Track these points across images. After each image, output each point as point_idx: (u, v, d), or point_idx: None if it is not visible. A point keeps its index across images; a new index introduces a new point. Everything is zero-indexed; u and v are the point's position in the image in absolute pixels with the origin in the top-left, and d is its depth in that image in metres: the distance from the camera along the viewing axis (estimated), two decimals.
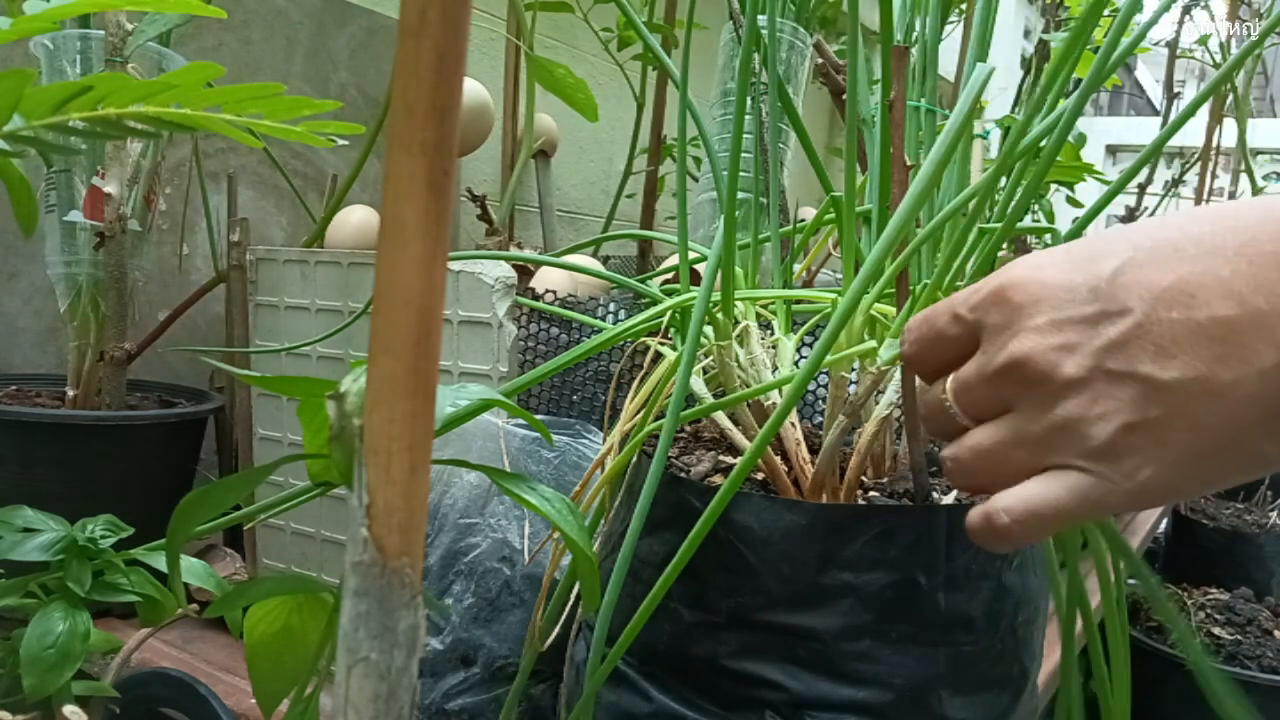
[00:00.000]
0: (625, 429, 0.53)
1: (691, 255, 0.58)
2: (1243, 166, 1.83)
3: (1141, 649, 1.62)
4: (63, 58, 0.81)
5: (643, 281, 0.70)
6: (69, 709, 0.51)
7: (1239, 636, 1.59)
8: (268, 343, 0.81)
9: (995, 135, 1.22)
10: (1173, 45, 1.74)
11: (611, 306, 0.71)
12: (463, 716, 0.60)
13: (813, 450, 0.50)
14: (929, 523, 0.42)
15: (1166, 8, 0.56)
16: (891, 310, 0.48)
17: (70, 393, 0.87)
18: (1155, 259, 0.30)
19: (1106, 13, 0.51)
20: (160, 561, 0.60)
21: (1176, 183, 1.92)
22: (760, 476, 0.50)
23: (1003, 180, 0.45)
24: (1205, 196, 1.85)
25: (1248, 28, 1.73)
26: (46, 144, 0.37)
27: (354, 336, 0.75)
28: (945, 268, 0.45)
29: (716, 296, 0.49)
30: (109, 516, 0.62)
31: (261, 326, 0.82)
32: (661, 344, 0.56)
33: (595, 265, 0.82)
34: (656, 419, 0.49)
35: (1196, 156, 1.85)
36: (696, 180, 1.20)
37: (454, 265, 0.67)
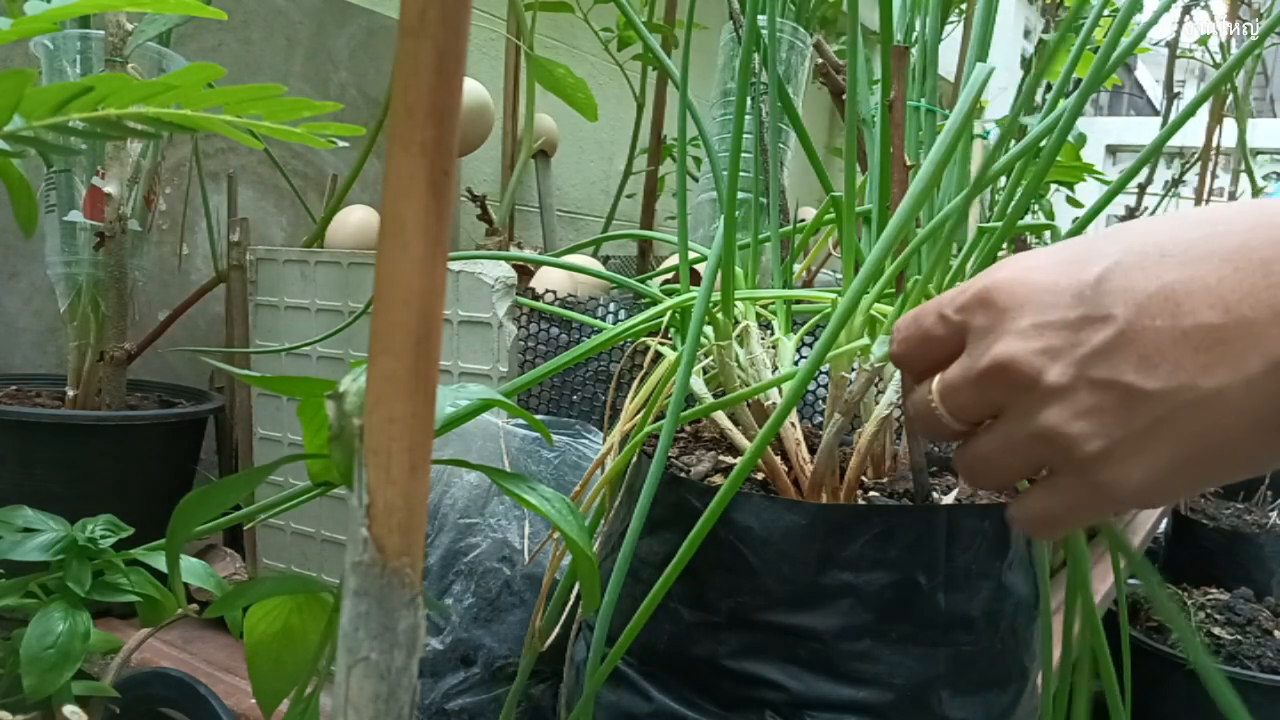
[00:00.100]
0: (625, 429, 0.53)
1: (691, 255, 0.58)
2: (1243, 166, 1.83)
3: (1141, 649, 1.62)
4: (63, 58, 0.81)
5: (643, 281, 0.70)
6: (69, 709, 0.51)
7: (1239, 636, 1.59)
8: (268, 343, 0.81)
9: (995, 135, 1.22)
10: (1173, 45, 1.74)
11: (611, 306, 0.71)
12: (463, 716, 0.60)
13: (813, 450, 0.50)
14: (929, 523, 0.42)
15: (1166, 8, 0.56)
16: (890, 310, 0.48)
17: (70, 393, 0.87)
18: (1142, 264, 0.30)
19: (1106, 13, 0.52)
20: (160, 561, 0.60)
21: (1176, 183, 1.92)
22: (760, 476, 0.50)
23: (1003, 180, 0.45)
24: (1205, 196, 1.85)
25: (1248, 28, 1.73)
26: (46, 144, 0.37)
27: (354, 336, 0.75)
28: (934, 265, 0.45)
29: (716, 296, 0.49)
30: (109, 516, 0.62)
31: (261, 326, 0.82)
32: (661, 344, 0.56)
33: (595, 265, 0.82)
34: (656, 419, 0.49)
35: (1196, 156, 1.85)
36: (696, 180, 1.20)
37: (454, 265, 0.67)
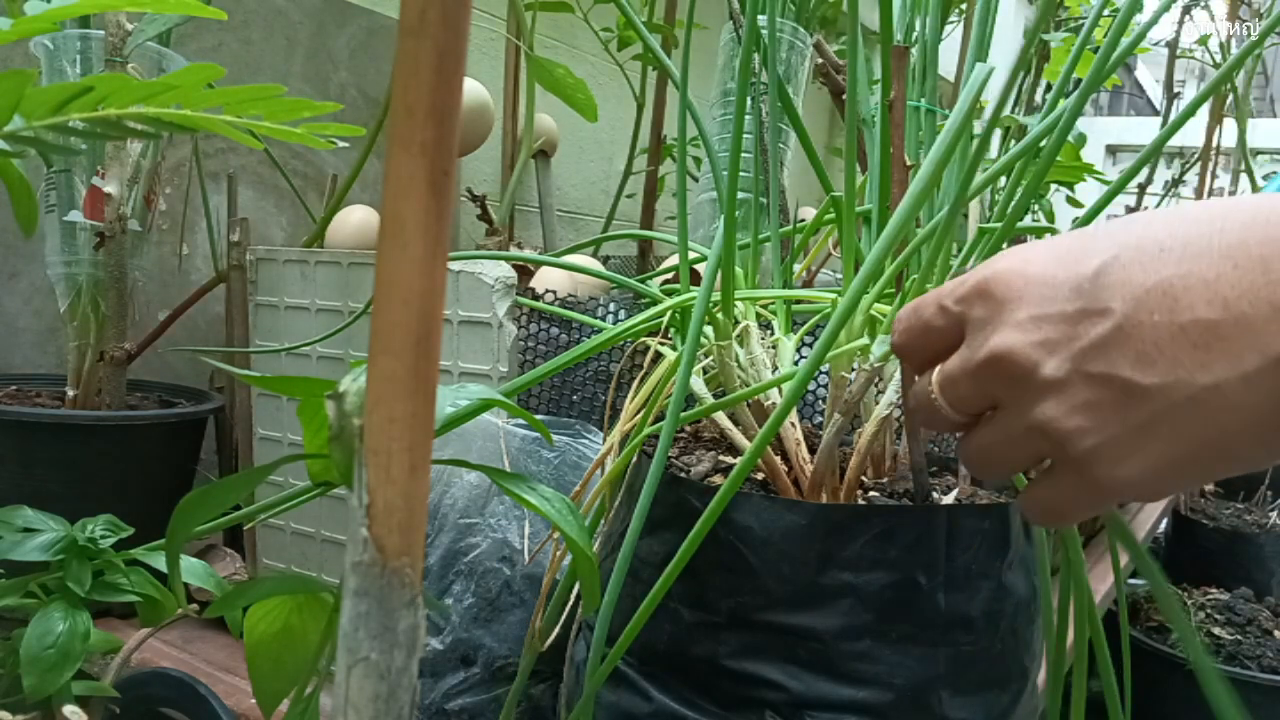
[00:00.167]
0: (625, 429, 0.53)
1: (691, 255, 0.58)
2: (1243, 166, 1.83)
3: (1141, 649, 1.62)
4: (63, 58, 0.81)
5: (643, 281, 0.70)
6: (69, 709, 0.51)
7: (1239, 636, 1.59)
8: (268, 343, 0.81)
9: (995, 135, 1.22)
10: (1173, 45, 1.74)
11: (611, 306, 0.71)
12: (463, 716, 0.60)
13: (813, 450, 0.50)
14: (929, 523, 0.42)
15: (1166, 8, 0.56)
16: (890, 310, 0.48)
17: (70, 393, 0.87)
18: (1140, 259, 0.30)
19: (1107, 13, 0.51)
20: (160, 561, 0.60)
21: (1176, 183, 1.92)
22: (760, 476, 0.50)
23: (1003, 180, 0.45)
24: (1205, 196, 1.85)
25: (1248, 28, 1.73)
26: (46, 144, 0.37)
27: (354, 336, 0.75)
28: (931, 261, 0.45)
29: (716, 296, 0.49)
30: (109, 516, 0.62)
31: (261, 326, 0.82)
32: (661, 344, 0.56)
33: (595, 265, 0.82)
34: (656, 419, 0.49)
35: (1196, 156, 1.85)
36: (696, 180, 1.20)
37: (454, 265, 0.67)
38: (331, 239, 0.87)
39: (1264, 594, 1.70)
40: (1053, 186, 1.20)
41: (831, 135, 2.32)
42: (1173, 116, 0.65)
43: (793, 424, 0.49)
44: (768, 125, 0.63)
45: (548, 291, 0.72)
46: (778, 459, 0.49)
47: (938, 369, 0.35)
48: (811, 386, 0.68)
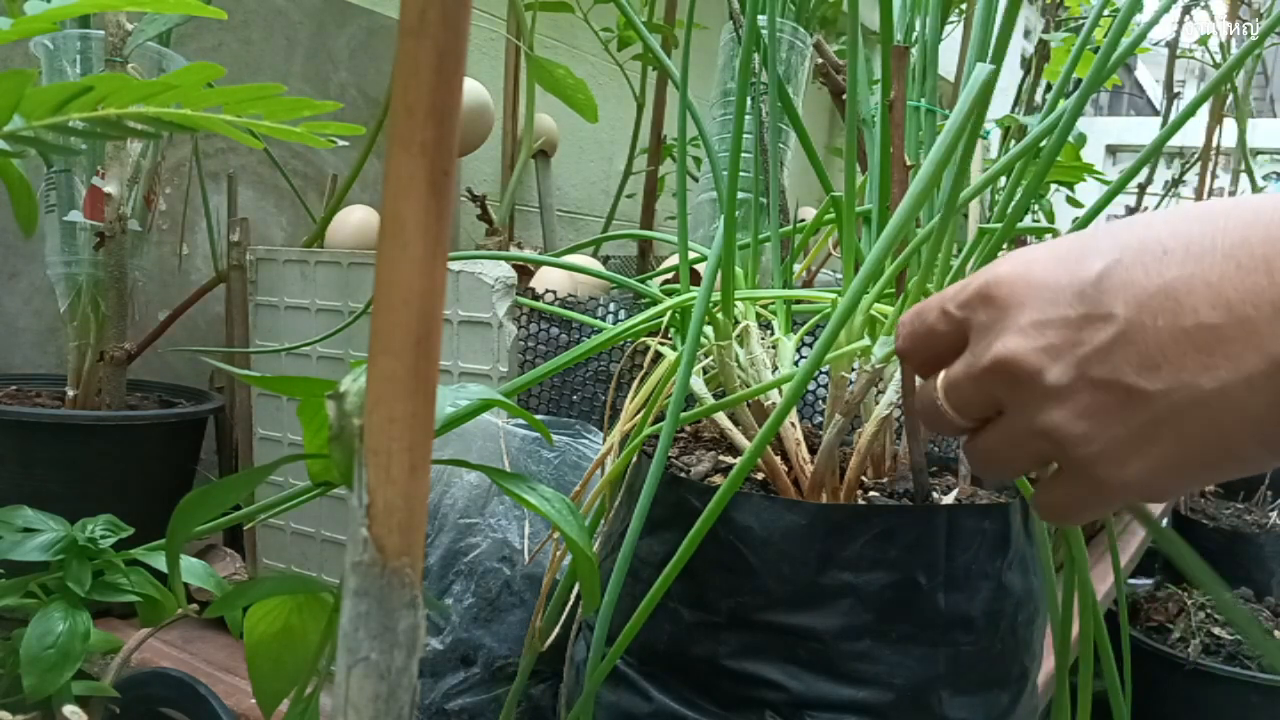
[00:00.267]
0: (625, 429, 0.53)
1: (691, 255, 0.58)
2: (1243, 166, 1.83)
3: (1141, 649, 1.62)
4: (63, 58, 0.81)
5: (643, 281, 0.70)
6: (69, 709, 0.51)
7: (1239, 636, 1.59)
8: (268, 343, 0.81)
9: (995, 135, 1.22)
10: (1173, 45, 1.74)
11: (611, 306, 0.71)
12: (463, 716, 0.60)
13: (813, 450, 0.50)
14: (929, 523, 0.42)
15: (1166, 8, 0.56)
16: (891, 310, 0.48)
17: (70, 393, 0.87)
18: (1142, 261, 0.30)
19: (1107, 13, 0.51)
20: (160, 561, 0.60)
21: (1176, 183, 1.92)
22: (760, 476, 0.50)
23: (1003, 180, 0.45)
24: (1205, 196, 1.85)
25: (1248, 28, 1.73)
26: (46, 144, 0.37)
27: (354, 336, 0.75)
28: (930, 262, 0.45)
29: (716, 296, 0.49)
30: (109, 516, 0.62)
31: (261, 326, 0.82)
32: (661, 344, 0.56)
33: (595, 265, 0.82)
34: (656, 419, 0.49)
35: (1196, 156, 1.85)
36: (696, 180, 1.20)
37: (454, 265, 0.67)
38: (331, 239, 0.87)
39: (1264, 594, 1.70)
40: (1053, 186, 1.20)
41: (831, 135, 2.32)
42: (1173, 116, 0.65)
43: (793, 424, 0.49)
44: (768, 125, 0.63)
45: (548, 291, 0.72)
46: (778, 459, 0.49)
47: (942, 374, 0.35)
48: (811, 386, 0.68)
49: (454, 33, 0.19)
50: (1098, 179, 1.00)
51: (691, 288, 0.53)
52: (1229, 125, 1.78)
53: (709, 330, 0.51)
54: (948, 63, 0.77)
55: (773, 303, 0.56)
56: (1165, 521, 1.86)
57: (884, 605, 0.41)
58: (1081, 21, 1.42)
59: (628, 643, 0.42)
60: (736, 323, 0.51)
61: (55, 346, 0.98)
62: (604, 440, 0.55)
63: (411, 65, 0.19)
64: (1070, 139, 0.57)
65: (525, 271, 0.80)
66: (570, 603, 0.51)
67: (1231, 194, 2.13)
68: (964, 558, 0.43)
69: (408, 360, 0.20)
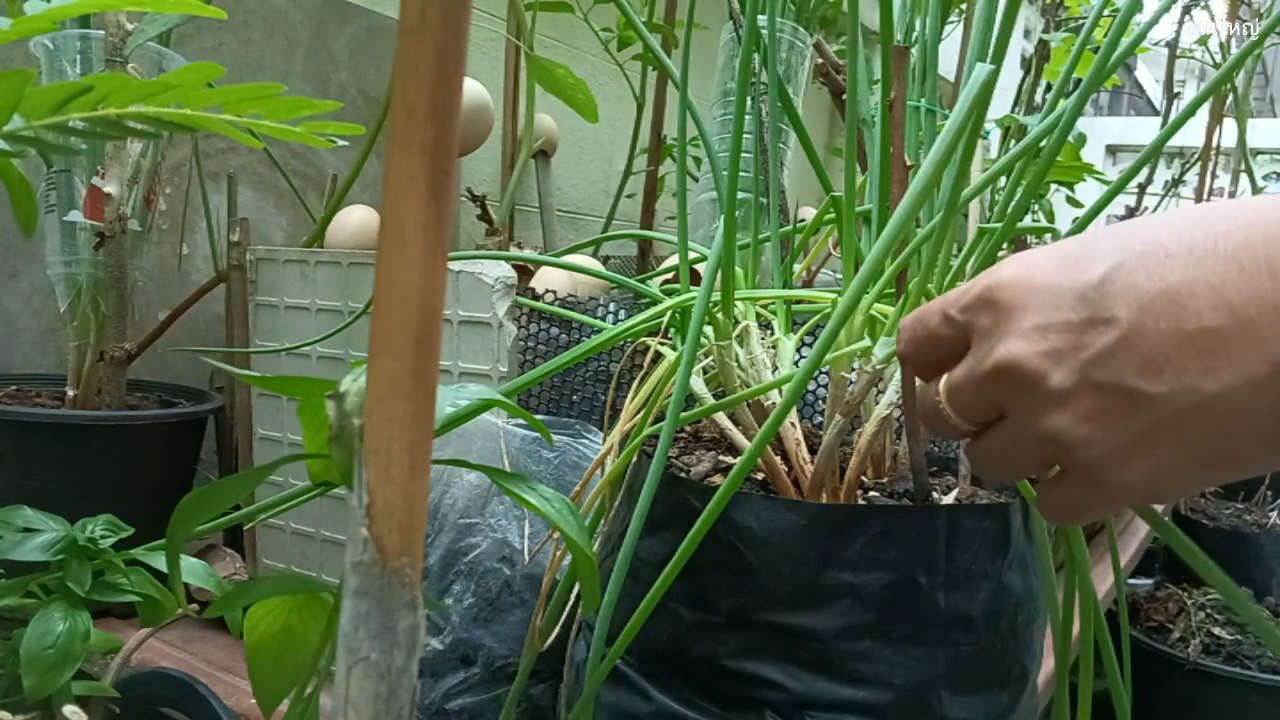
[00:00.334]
0: (625, 429, 0.53)
1: (691, 255, 0.58)
2: (1243, 166, 1.83)
3: (1141, 649, 1.62)
4: (63, 58, 0.81)
5: (643, 281, 0.70)
6: (69, 709, 0.51)
7: (1239, 636, 1.59)
8: (268, 343, 0.81)
9: (995, 135, 1.22)
10: (1173, 45, 1.74)
11: (611, 306, 0.71)
12: (463, 716, 0.60)
13: (813, 450, 0.50)
14: (929, 523, 0.42)
15: (1166, 8, 0.56)
16: (891, 310, 0.48)
17: (70, 393, 0.87)
18: (1144, 264, 0.30)
19: (1107, 13, 0.51)
20: (160, 561, 0.60)
21: (1176, 183, 1.92)
22: (760, 476, 0.50)
23: (1003, 180, 0.45)
24: (1205, 196, 1.85)
25: (1248, 28, 1.73)
26: (46, 144, 0.37)
27: (354, 336, 0.75)
28: (931, 262, 0.45)
29: (716, 296, 0.49)
30: (109, 516, 0.62)
31: (261, 326, 0.82)
32: (661, 344, 0.56)
33: (595, 265, 0.82)
34: (656, 419, 0.49)
35: (1196, 156, 1.85)
36: (696, 180, 1.20)
37: (454, 265, 0.67)
38: (331, 239, 0.87)
39: (1264, 594, 1.70)
40: (1053, 186, 1.20)
41: (831, 135, 2.32)
42: (1173, 116, 0.65)
43: (793, 424, 0.49)
44: (768, 125, 0.63)
45: (548, 291, 0.72)
46: (778, 459, 0.49)
47: (944, 377, 0.35)
48: (811, 387, 0.68)
49: (454, 33, 0.19)
50: (1098, 179, 1.00)
51: (691, 288, 0.53)
52: (1229, 125, 1.78)
53: (709, 330, 0.51)
54: (948, 63, 0.77)
55: (773, 303, 0.56)
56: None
57: (884, 605, 0.42)
58: (1081, 21, 1.42)
59: (628, 643, 0.42)
60: (736, 323, 0.51)
61: (55, 346, 0.98)
62: (604, 440, 0.55)
63: (411, 65, 0.19)
64: (1070, 139, 0.57)
65: (525, 271, 0.80)
66: (570, 603, 0.51)
67: (1231, 194, 2.13)
68: (964, 558, 0.43)
69: (408, 360, 0.20)
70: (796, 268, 0.69)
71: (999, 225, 0.45)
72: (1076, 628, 0.47)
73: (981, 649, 0.43)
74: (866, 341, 0.47)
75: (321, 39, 1.16)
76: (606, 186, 1.66)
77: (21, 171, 0.42)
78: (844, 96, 0.71)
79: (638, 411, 0.53)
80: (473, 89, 0.92)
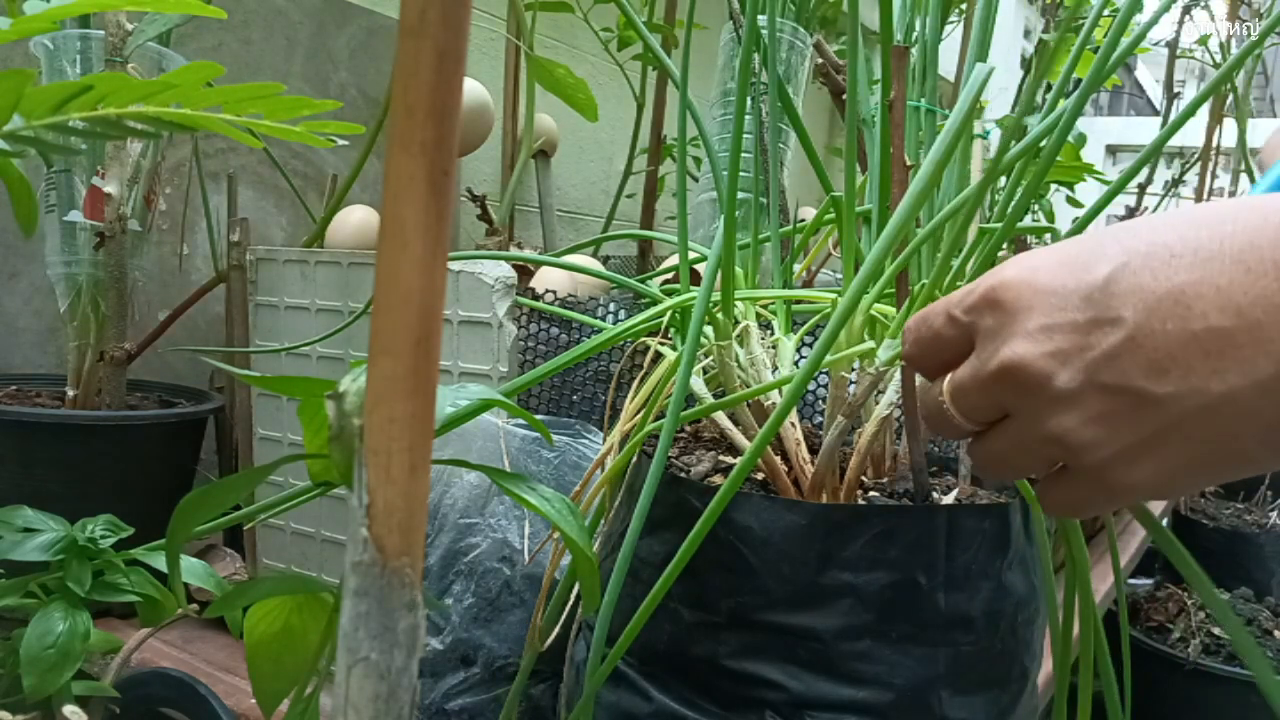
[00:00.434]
0: (625, 429, 0.53)
1: (691, 255, 0.58)
2: (1243, 166, 1.83)
3: (1141, 649, 1.62)
4: (63, 58, 0.81)
5: (643, 281, 0.70)
6: (69, 709, 0.51)
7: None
8: (268, 343, 0.81)
9: (995, 135, 1.22)
10: (1173, 45, 1.74)
11: (611, 306, 0.71)
12: (463, 716, 0.60)
13: (813, 450, 0.50)
14: (929, 523, 0.42)
15: (1166, 8, 0.56)
16: (891, 310, 0.48)
17: (70, 393, 0.87)
18: (1150, 265, 0.29)
19: (1107, 13, 0.52)
20: (160, 561, 0.60)
21: (1176, 183, 1.92)
22: (760, 476, 0.50)
23: (1003, 180, 0.45)
24: (1205, 196, 1.85)
25: (1248, 28, 1.73)
26: (46, 144, 0.37)
27: (354, 336, 0.75)
28: (944, 267, 0.45)
29: (716, 296, 0.49)
30: (109, 516, 0.62)
31: (261, 326, 0.82)
32: (661, 344, 0.56)
33: (595, 265, 0.82)
34: (656, 419, 0.49)
35: (1196, 156, 1.85)
36: (696, 180, 1.20)
37: (454, 265, 0.67)
38: (331, 239, 0.87)
39: (1264, 594, 1.70)
40: (1053, 186, 1.20)
41: (831, 135, 2.32)
42: (1173, 116, 0.65)
43: (793, 424, 0.49)
44: (768, 125, 0.63)
45: (548, 291, 0.72)
46: (778, 459, 0.49)
47: (948, 378, 0.35)
48: (811, 387, 0.68)
49: (454, 33, 0.19)
50: (1098, 179, 1.00)
51: (691, 288, 0.53)
52: (1229, 125, 1.78)
53: (709, 330, 0.51)
54: (948, 63, 0.77)
55: (773, 303, 0.56)
56: (1165, 521, 1.86)
57: (884, 605, 0.41)
58: (1081, 21, 1.41)
59: (628, 643, 0.42)
60: (736, 323, 0.51)
61: (55, 346, 0.98)
62: (604, 440, 0.55)
63: (411, 65, 0.19)
64: (1070, 139, 0.57)
65: (525, 271, 0.80)
66: (570, 603, 0.51)
67: (1231, 194, 2.13)
68: (964, 558, 0.43)
69: (408, 360, 0.20)
70: (796, 268, 0.69)
71: (999, 225, 0.45)
72: (1076, 628, 0.47)
73: (981, 649, 0.43)
74: (868, 343, 0.47)
75: (321, 39, 1.16)
76: (606, 186, 1.66)
77: (21, 171, 0.42)
78: (844, 96, 0.71)
79: (638, 411, 0.53)
80: (473, 89, 0.92)
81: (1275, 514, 1.84)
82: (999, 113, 1.47)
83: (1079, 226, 0.51)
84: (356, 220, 0.87)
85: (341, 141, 0.41)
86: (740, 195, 0.65)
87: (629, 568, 0.44)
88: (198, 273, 1.07)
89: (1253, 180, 1.81)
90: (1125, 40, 0.42)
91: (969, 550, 0.43)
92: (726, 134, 0.88)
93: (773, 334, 0.54)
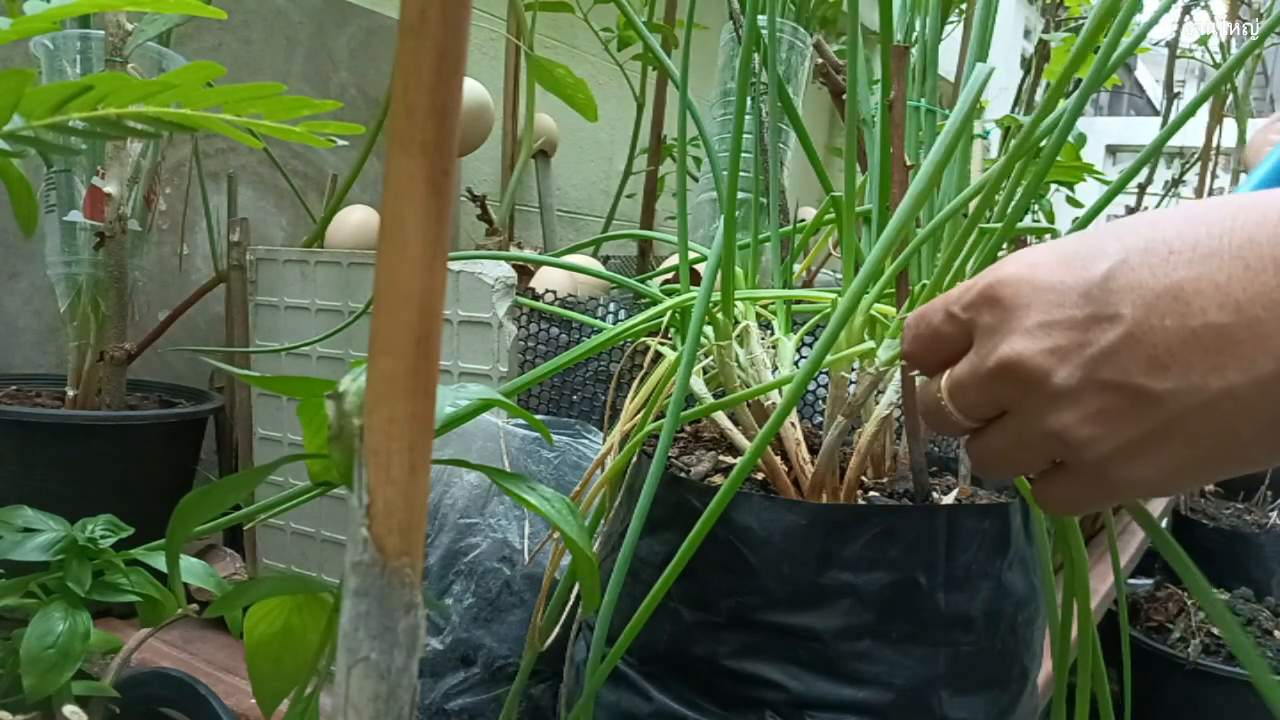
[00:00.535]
0: (625, 429, 0.53)
1: (691, 255, 0.58)
2: (1243, 166, 1.83)
3: (1141, 649, 1.62)
4: (63, 58, 0.81)
5: (643, 281, 0.70)
6: (69, 709, 0.51)
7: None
8: (268, 343, 0.81)
9: (995, 135, 1.22)
10: (1173, 45, 1.74)
11: (611, 306, 0.71)
12: (463, 716, 0.60)
13: (813, 450, 0.50)
14: (929, 523, 0.42)
15: (1167, 8, 0.56)
16: (891, 310, 0.48)
17: (70, 393, 0.87)
18: (1148, 261, 0.29)
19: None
20: (160, 561, 0.60)
21: (1176, 183, 1.92)
22: (760, 476, 0.50)
23: (1003, 180, 0.45)
24: (1205, 196, 1.85)
25: (1248, 28, 1.73)
26: (46, 144, 0.37)
27: (354, 336, 0.75)
28: (945, 268, 0.45)
29: (716, 296, 0.49)
30: (109, 516, 0.62)
31: (261, 326, 0.82)
32: (661, 344, 0.56)
33: (595, 265, 0.82)
34: (656, 419, 0.49)
35: (1196, 156, 1.85)
36: (696, 180, 1.20)
37: (454, 265, 0.67)
38: (331, 239, 0.87)
39: (1264, 594, 1.70)
40: (1053, 186, 1.20)
41: (831, 135, 2.32)
42: (1173, 116, 0.65)
43: (793, 424, 0.49)
44: (768, 125, 0.63)
45: (548, 291, 0.72)
46: (778, 459, 0.49)
47: (946, 374, 0.35)
48: (811, 386, 0.68)
49: (454, 33, 0.19)
50: (1098, 179, 1.00)
51: (691, 288, 0.53)
52: (1229, 125, 1.79)
53: (709, 330, 0.51)
54: (948, 63, 0.77)
55: (773, 303, 0.56)
56: (1164, 521, 1.86)
57: (884, 605, 0.41)
58: (1081, 21, 1.41)
59: (628, 643, 0.42)
60: (736, 323, 0.51)
61: (55, 346, 0.98)
62: (604, 440, 0.55)
63: (411, 65, 0.19)
64: (1070, 139, 0.57)
65: (525, 271, 0.80)
66: (570, 603, 0.51)
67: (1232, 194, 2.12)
68: (964, 558, 0.43)
69: (408, 360, 0.20)
70: (796, 268, 0.69)
71: (999, 225, 0.45)
72: (1075, 629, 0.47)
73: (981, 649, 0.43)
74: (868, 343, 0.47)
75: (321, 39, 1.16)
76: (606, 186, 1.66)
77: (21, 171, 0.42)
78: (844, 96, 0.71)
79: (638, 411, 0.53)
80: (473, 89, 0.92)
81: (1275, 514, 1.84)
82: (999, 113, 1.47)
83: (1079, 226, 0.51)
84: (356, 220, 0.87)
85: (341, 141, 0.41)
86: (740, 195, 0.65)
87: (629, 568, 0.44)
88: (198, 273, 1.07)
89: None
90: (1125, 40, 0.42)
91: (969, 550, 0.43)
92: (726, 134, 0.88)
93: (773, 334, 0.54)
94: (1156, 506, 1.61)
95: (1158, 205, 1.85)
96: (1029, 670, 0.46)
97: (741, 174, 0.77)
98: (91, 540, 0.59)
